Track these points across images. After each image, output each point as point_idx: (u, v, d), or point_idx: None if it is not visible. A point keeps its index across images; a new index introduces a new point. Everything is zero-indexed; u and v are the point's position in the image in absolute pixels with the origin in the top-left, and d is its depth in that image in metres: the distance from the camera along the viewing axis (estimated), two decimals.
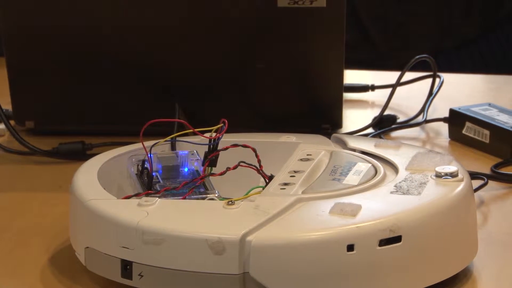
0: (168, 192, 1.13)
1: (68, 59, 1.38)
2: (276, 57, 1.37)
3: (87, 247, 1.07)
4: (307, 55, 1.38)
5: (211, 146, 1.16)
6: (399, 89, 1.49)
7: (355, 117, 1.45)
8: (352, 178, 1.13)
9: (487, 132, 1.39)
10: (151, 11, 1.36)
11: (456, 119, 1.44)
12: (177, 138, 1.19)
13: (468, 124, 1.42)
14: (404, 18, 2.23)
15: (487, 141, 1.39)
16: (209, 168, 1.16)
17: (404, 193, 1.09)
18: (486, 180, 1.29)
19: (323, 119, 1.36)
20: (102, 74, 1.38)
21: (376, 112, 1.46)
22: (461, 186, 1.10)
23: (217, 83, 1.35)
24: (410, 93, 1.50)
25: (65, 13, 1.37)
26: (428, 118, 1.48)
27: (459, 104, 1.45)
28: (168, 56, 1.36)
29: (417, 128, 1.47)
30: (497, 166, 1.34)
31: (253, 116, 1.27)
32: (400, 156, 1.17)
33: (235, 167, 1.14)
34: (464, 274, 1.08)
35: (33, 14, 1.38)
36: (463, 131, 1.42)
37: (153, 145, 1.17)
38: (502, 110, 1.42)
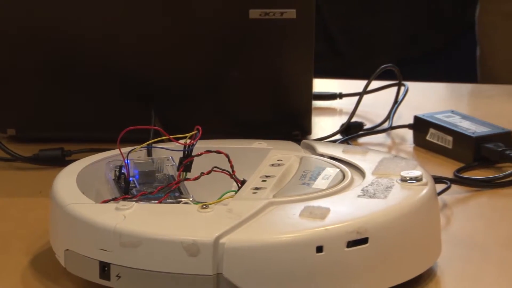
0: (145, 197, 1.13)
1: (48, 67, 1.38)
2: (248, 67, 1.38)
3: (67, 250, 1.07)
4: (278, 65, 1.39)
5: (186, 152, 1.16)
6: (365, 97, 1.50)
7: (324, 124, 1.45)
8: (321, 183, 1.14)
9: (450, 138, 1.40)
10: (130, 22, 1.36)
11: (420, 126, 1.45)
12: (153, 145, 1.19)
13: (431, 130, 1.42)
14: (371, 29, 2.24)
15: (450, 146, 1.40)
16: (184, 173, 1.16)
17: (370, 197, 1.09)
18: (449, 184, 1.30)
19: (293, 126, 1.36)
20: (81, 82, 1.38)
21: (344, 119, 1.47)
22: (425, 190, 1.11)
23: (192, 92, 1.36)
24: (376, 101, 1.50)
25: (46, 21, 1.37)
26: (393, 124, 1.48)
27: (423, 111, 1.46)
28: (145, 65, 1.37)
29: (383, 134, 1.48)
30: (459, 170, 1.35)
31: (226, 123, 1.27)
32: (367, 161, 1.18)
33: (208, 172, 1.14)
34: (428, 274, 1.08)
35: (13, 21, 1.38)
36: (427, 137, 1.43)
37: (129, 151, 1.17)
38: (464, 117, 1.43)
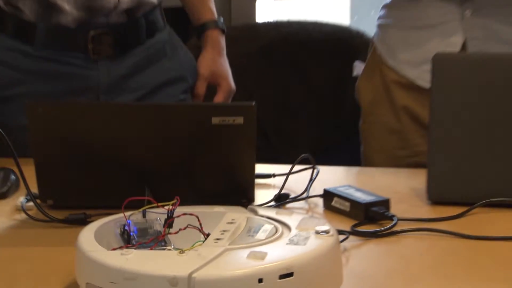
0: (141, 246, 1.14)
1: (77, 159, 1.37)
2: (211, 156, 1.38)
3: (87, 283, 1.06)
4: (231, 155, 1.39)
5: (169, 215, 1.16)
6: (291, 176, 1.50)
7: (263, 195, 1.45)
8: (261, 235, 1.14)
9: (347, 203, 1.40)
10: (131, 133, 1.37)
11: (328, 195, 1.44)
12: (147, 210, 1.19)
13: (335, 198, 1.42)
14: (294, 130, 2.24)
15: (348, 209, 1.40)
16: (168, 229, 1.16)
17: (295, 244, 1.09)
18: (347, 235, 1.30)
19: (241, 196, 1.37)
20: (99, 170, 1.37)
21: (276, 191, 1.46)
22: (332, 239, 1.12)
23: (172, 174, 1.36)
24: (298, 179, 1.51)
25: (84, 132, 1.38)
26: (310, 195, 1.48)
27: (330, 185, 1.46)
28: (141, 158, 1.37)
29: (302, 202, 1.47)
30: (354, 226, 1.35)
31: (196, 194, 1.27)
32: (292, 220, 1.18)
33: (184, 228, 1.15)
34: None
35: (55, 123, 1.38)
36: (332, 203, 1.43)
37: (130, 215, 1.17)
38: (357, 189, 1.43)
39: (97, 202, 1.33)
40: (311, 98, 2.25)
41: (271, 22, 2.52)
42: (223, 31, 1.82)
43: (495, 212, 1.41)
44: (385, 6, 1.84)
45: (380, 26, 1.85)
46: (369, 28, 1.88)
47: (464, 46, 1.73)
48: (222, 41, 1.82)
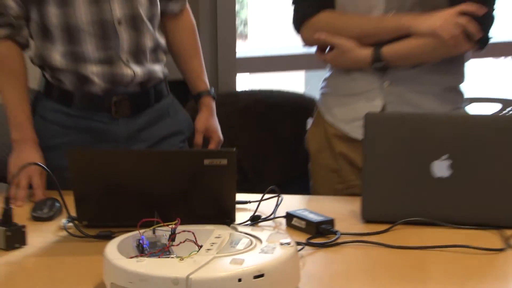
0: (151, 255, 1.13)
1: (105, 190, 1.36)
2: (203, 188, 1.36)
3: (112, 283, 1.06)
4: (218, 187, 1.37)
5: (172, 232, 1.16)
6: (262, 202, 1.49)
7: (241, 216, 1.44)
8: (240, 246, 1.14)
9: (304, 222, 1.39)
10: (145, 171, 1.36)
11: (289, 216, 1.43)
12: (156, 228, 1.18)
13: (295, 219, 1.41)
14: (265, 167, 2.24)
15: (304, 226, 1.39)
16: (171, 242, 1.16)
17: (265, 253, 1.10)
18: (304, 246, 1.30)
19: (225, 217, 1.35)
20: (121, 198, 1.36)
21: (251, 213, 1.45)
22: (292, 249, 1.12)
23: (174, 201, 1.34)
24: (268, 204, 1.49)
25: (105, 166, 1.38)
26: (276, 216, 1.46)
27: (291, 209, 1.44)
28: (152, 190, 1.35)
29: (271, 221, 1.46)
30: (309, 239, 1.34)
31: (192, 217, 1.25)
32: (263, 235, 1.18)
33: (184, 242, 1.15)
34: None
35: (89, 165, 1.37)
36: (292, 222, 1.42)
37: (144, 232, 1.17)
38: (310, 212, 1.42)
39: (119, 223, 1.32)
40: (276, 145, 2.26)
41: (247, 91, 2.55)
42: (213, 98, 1.83)
43: (411, 228, 1.40)
44: (326, 79, 1.85)
45: (322, 93, 1.86)
46: (317, 94, 1.88)
47: (383, 108, 1.73)
48: (213, 105, 1.83)
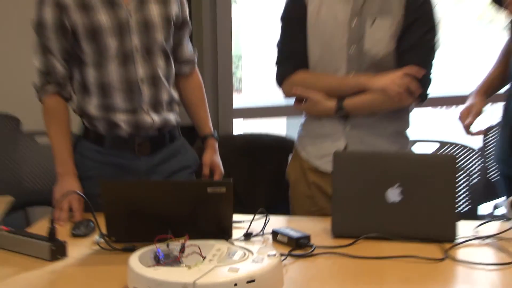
0: (166, 264, 1.13)
1: (129, 213, 1.35)
2: (206, 211, 1.35)
3: (134, 287, 1.05)
4: (218, 210, 1.35)
5: (182, 246, 1.16)
6: (253, 222, 1.48)
7: (237, 233, 1.42)
8: (236, 257, 1.14)
9: (286, 238, 1.39)
10: (162, 197, 1.35)
11: (275, 233, 1.42)
12: (169, 243, 1.18)
13: (279, 235, 1.41)
14: (256, 194, 2.21)
15: (286, 241, 1.39)
16: (181, 254, 1.15)
17: (256, 262, 1.10)
18: (286, 256, 1.30)
19: (224, 234, 1.33)
20: (142, 219, 1.34)
21: (245, 231, 1.44)
22: (277, 259, 1.12)
23: (184, 221, 1.32)
24: (258, 223, 1.48)
25: (130, 193, 1.35)
26: (264, 233, 1.45)
27: (276, 227, 1.44)
28: (167, 212, 1.34)
29: (260, 237, 1.45)
30: (290, 251, 1.34)
31: (198, 233, 1.23)
32: (254, 248, 1.18)
33: (191, 254, 1.15)
34: None
35: (117, 192, 1.36)
36: (277, 238, 1.41)
37: (159, 245, 1.17)
38: (291, 229, 1.41)
39: (140, 238, 1.31)
40: (264, 176, 2.25)
41: (241, 134, 2.54)
42: (216, 139, 1.83)
43: (371, 242, 1.40)
44: (302, 124, 1.86)
45: (299, 135, 1.86)
46: (295, 136, 1.89)
47: (346, 147, 1.73)
48: (216, 145, 1.83)
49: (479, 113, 1.77)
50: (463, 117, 1.77)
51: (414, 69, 1.64)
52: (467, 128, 1.75)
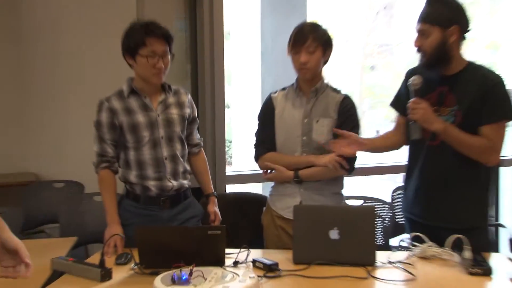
0: (179, 284, 1.10)
1: (156, 249, 1.30)
2: (207, 247, 1.31)
3: None
4: (215, 246, 1.32)
5: (190, 271, 1.13)
6: (240, 254, 1.44)
7: (228, 261, 1.37)
8: (227, 279, 1.12)
9: (262, 264, 1.35)
10: (178, 238, 1.31)
11: (254, 262, 1.38)
12: (181, 269, 1.15)
13: (257, 262, 1.37)
14: (240, 234, 2.14)
15: (262, 267, 1.34)
16: (190, 277, 1.13)
17: (242, 282, 1.09)
18: (262, 278, 1.26)
19: (219, 262, 1.30)
20: (164, 253, 1.31)
21: (233, 259, 1.40)
22: (256, 279, 1.11)
23: (192, 254, 1.27)
24: (242, 254, 1.44)
25: (157, 236, 1.33)
26: (247, 261, 1.41)
27: (256, 257, 1.40)
28: (181, 248, 1.29)
29: (244, 264, 1.39)
30: (265, 274, 1.31)
31: (201, 262, 1.19)
32: (240, 272, 1.16)
33: (197, 276, 1.13)
34: None
35: (148, 235, 1.33)
36: (256, 264, 1.37)
37: (174, 271, 1.14)
38: (266, 259, 1.38)
39: (162, 266, 1.28)
40: (247, 222, 2.20)
41: (231, 192, 2.51)
42: (216, 196, 1.84)
43: (320, 266, 1.39)
44: (271, 187, 1.85)
45: (270, 194, 1.87)
46: (268, 195, 1.87)
47: (301, 202, 1.73)
48: (216, 200, 1.83)
49: (355, 149, 1.61)
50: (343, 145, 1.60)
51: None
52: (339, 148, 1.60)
